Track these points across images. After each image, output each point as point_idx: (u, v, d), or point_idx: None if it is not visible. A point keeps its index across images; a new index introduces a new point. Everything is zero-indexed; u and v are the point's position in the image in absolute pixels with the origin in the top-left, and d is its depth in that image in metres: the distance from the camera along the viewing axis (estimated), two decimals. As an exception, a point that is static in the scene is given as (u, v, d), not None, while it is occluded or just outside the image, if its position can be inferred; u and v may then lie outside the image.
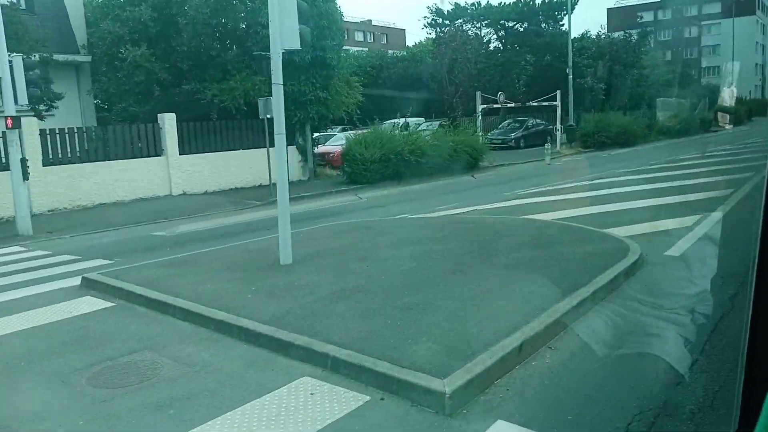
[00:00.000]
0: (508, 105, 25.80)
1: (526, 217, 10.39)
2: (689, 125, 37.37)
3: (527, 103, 27.56)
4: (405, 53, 43.70)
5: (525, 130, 30.36)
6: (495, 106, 24.54)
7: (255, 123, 17.23)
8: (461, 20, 32.34)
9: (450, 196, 14.94)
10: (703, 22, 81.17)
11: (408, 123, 32.88)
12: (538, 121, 31.63)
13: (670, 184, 14.11)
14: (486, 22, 32.95)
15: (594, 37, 35.15)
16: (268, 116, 15.42)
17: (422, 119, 31.48)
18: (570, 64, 28.83)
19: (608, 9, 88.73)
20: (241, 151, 17.49)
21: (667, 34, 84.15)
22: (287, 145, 20.80)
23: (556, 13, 31.35)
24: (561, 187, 14.77)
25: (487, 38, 33.41)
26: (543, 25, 32.91)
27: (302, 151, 18.83)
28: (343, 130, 39.63)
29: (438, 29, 28.04)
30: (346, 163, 18.02)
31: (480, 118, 23.59)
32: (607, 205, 11.33)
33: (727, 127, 42.75)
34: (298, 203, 14.66)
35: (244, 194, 16.05)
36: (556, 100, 26.78)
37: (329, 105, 18.77)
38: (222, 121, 17.63)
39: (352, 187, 17.47)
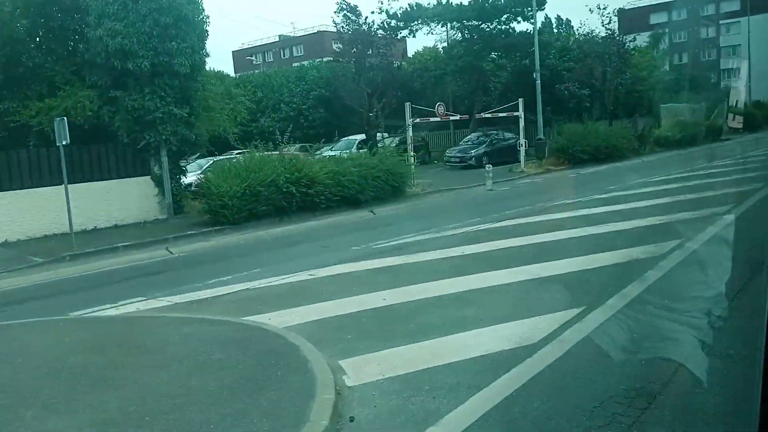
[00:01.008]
0: (452, 118, 21.56)
1: (251, 321, 6.12)
2: (694, 134, 32.63)
3: (481, 115, 23.25)
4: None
5: (489, 145, 26.02)
6: (434, 119, 20.37)
7: (73, 150, 13.29)
8: (418, 21, 28.29)
9: (315, 245, 10.85)
10: (721, 21, 75.77)
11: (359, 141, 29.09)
12: (507, 134, 27.29)
13: (610, 227, 9.80)
14: (447, 23, 28.78)
15: (578, 36, 30.42)
16: (65, 143, 11.57)
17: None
18: (537, 66, 24.48)
19: (618, 10, 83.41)
20: (43, 188, 13.38)
21: (682, 35, 78.78)
22: (139, 176, 17.45)
23: (527, 9, 27.05)
24: (461, 232, 10.57)
25: (444, 41, 29.23)
26: (515, 24, 28.60)
27: (159, 183, 14.89)
28: (302, 149, 36.20)
29: (343, 29, 23.93)
30: (204, 198, 14.03)
31: (408, 133, 19.35)
32: (469, 278, 7.10)
33: (738, 127, 37.99)
34: (105, 257, 10.81)
35: (31, 247, 12.09)
36: (518, 110, 22.44)
37: (193, 124, 14.83)
38: (22, 150, 13.72)
39: (214, 228, 13.45)
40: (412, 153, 19.20)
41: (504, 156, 25.39)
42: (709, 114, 52.18)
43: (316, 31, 71.63)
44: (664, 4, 77.29)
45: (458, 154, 25.50)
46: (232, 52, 77.59)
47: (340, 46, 26.50)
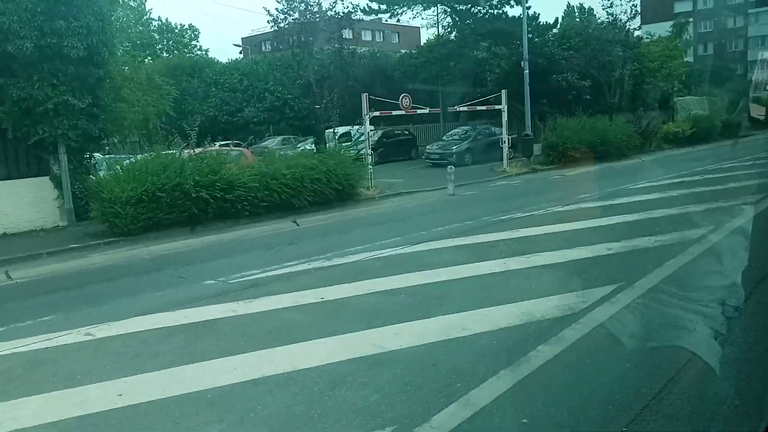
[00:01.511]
0: (419, 111, 19.22)
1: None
2: (709, 129, 29.79)
3: (456, 108, 20.92)
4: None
5: (473, 141, 23.72)
6: (397, 112, 18.03)
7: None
8: (402, 4, 25.90)
9: (178, 271, 8.79)
10: (750, 10, 71.63)
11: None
12: (497, 129, 24.94)
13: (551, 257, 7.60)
14: (435, 6, 26.29)
15: (580, 21, 27.53)
16: None
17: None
18: (525, 54, 22.03)
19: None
20: None
21: (708, 24, 74.81)
22: (36, 176, 15.42)
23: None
24: (360, 258, 8.42)
25: (434, 25, 26.73)
26: (508, 9, 26.03)
27: (58, 184, 12.95)
28: (284, 142, 33.92)
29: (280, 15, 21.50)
30: (96, 204, 12.04)
31: (365, 127, 17.06)
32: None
33: (760, 118, 35.03)
34: None
35: None
36: (501, 102, 20.07)
37: (97, 116, 12.84)
38: None
39: (105, 240, 11.47)
40: (369, 151, 16.99)
41: (491, 153, 23.08)
42: (733, 108, 49.05)
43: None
44: (690, -9, 73.39)
45: (438, 151, 23.22)
46: (242, 39, 75.81)
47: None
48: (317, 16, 22.06)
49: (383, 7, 26.00)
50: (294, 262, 8.19)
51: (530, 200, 13.40)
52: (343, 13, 23.16)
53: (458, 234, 9.78)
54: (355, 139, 27.70)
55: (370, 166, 16.54)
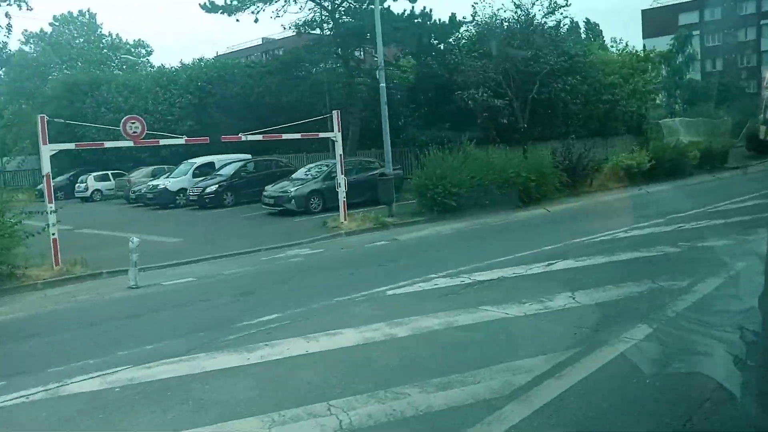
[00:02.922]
0: (163, 142, 13.03)
1: None
2: (678, 161, 22.92)
3: (240, 137, 14.67)
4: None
5: (325, 179, 17.29)
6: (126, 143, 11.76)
7: None
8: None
9: None
10: (762, 21, 64.32)
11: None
12: (371, 162, 18.64)
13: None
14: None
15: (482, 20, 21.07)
16: None
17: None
18: (381, 62, 15.72)
19: (642, 11, 72.98)
20: None
21: (716, 38, 67.62)
22: None
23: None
24: None
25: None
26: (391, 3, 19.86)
27: None
28: (156, 173, 27.57)
29: None
30: None
31: (44, 160, 10.85)
32: None
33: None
34: None
35: None
36: (333, 129, 13.83)
37: None
38: None
39: None
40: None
41: (360, 194, 16.86)
42: (738, 129, 42.20)
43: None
44: (695, 2, 66.35)
45: (274, 194, 16.96)
46: (217, 54, 70.85)
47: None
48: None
49: (234, 3, 20.10)
50: None
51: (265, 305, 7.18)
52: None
53: None
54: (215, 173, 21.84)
55: (52, 233, 10.39)
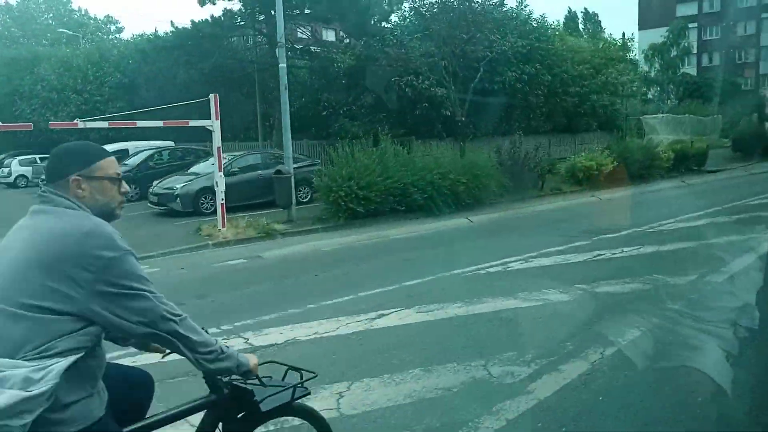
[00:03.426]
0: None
1: None
2: (642, 162, 20.49)
3: (79, 124, 12.38)
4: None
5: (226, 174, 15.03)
6: None
7: None
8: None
9: None
10: (763, 15, 61.39)
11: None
12: (272, 154, 16.29)
13: None
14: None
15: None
16: None
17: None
18: (280, 37, 13.24)
19: (639, 2, 69.91)
20: None
21: (714, 31, 64.82)
22: None
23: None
24: None
25: None
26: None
27: None
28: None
29: None
30: None
31: None
32: None
33: None
34: None
35: None
36: (210, 116, 11.48)
37: None
38: None
39: None
40: None
41: (254, 195, 14.62)
42: (730, 128, 39.89)
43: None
44: (693, -8, 63.46)
45: (160, 191, 14.64)
46: (156, 30, 68.17)
47: None
48: None
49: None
50: None
51: None
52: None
53: None
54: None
55: None
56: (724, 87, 55.39)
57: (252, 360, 2.12)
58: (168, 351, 2.10)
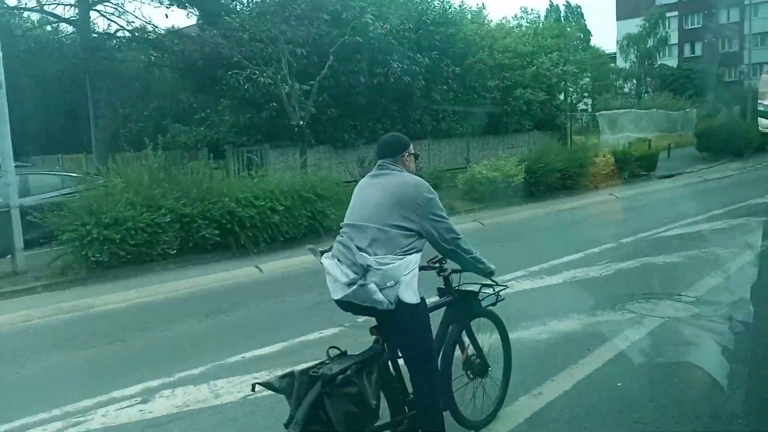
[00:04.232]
0: None
1: None
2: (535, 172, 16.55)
3: None
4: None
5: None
6: None
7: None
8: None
9: None
10: (746, 1, 57.27)
11: None
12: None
13: None
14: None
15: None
16: None
17: None
18: None
19: (618, -10, 65.87)
20: None
21: (695, 19, 60.86)
22: None
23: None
24: None
25: None
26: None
27: None
28: None
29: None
30: None
31: None
32: None
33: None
34: None
35: None
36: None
37: None
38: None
39: None
40: None
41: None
42: (706, 118, 36.18)
43: None
44: (673, -22, 59.41)
45: None
46: None
47: None
48: None
49: None
50: None
51: None
52: None
53: None
54: None
55: None
56: (704, 78, 51.60)
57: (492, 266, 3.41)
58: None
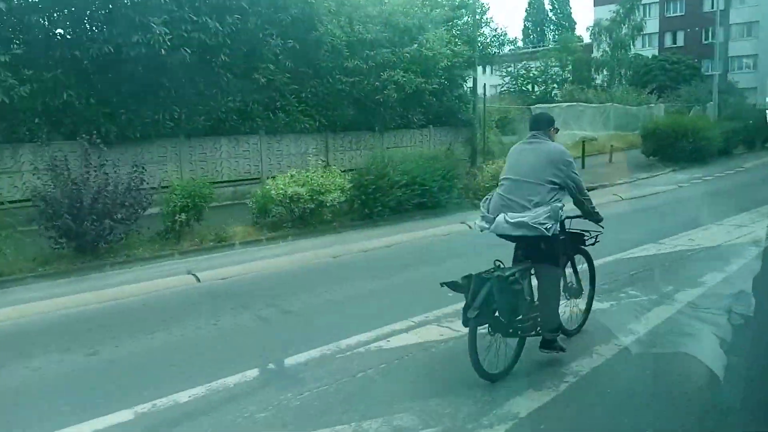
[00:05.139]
0: None
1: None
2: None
3: None
4: None
5: None
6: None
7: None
8: None
9: None
10: (732, -13, 52.17)
11: None
12: None
13: None
14: None
15: None
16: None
17: None
18: None
19: (596, -24, 60.64)
20: None
21: (677, 7, 55.88)
22: None
23: None
24: None
25: None
26: None
27: None
28: None
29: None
30: None
31: None
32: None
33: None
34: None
35: None
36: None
37: None
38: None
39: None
40: None
41: None
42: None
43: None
44: (654, -37, 54.29)
45: None
46: None
47: None
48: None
49: None
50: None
51: None
52: None
53: None
54: None
55: None
56: (681, 70, 46.98)
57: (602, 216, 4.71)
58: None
